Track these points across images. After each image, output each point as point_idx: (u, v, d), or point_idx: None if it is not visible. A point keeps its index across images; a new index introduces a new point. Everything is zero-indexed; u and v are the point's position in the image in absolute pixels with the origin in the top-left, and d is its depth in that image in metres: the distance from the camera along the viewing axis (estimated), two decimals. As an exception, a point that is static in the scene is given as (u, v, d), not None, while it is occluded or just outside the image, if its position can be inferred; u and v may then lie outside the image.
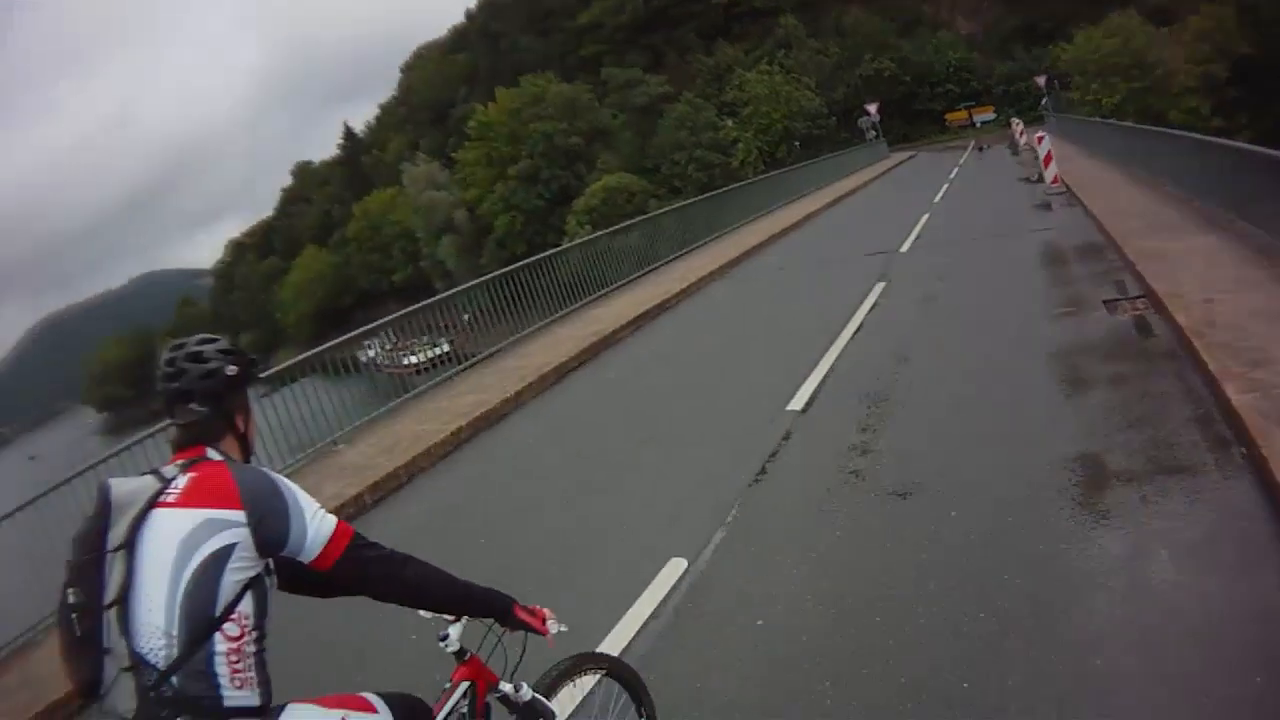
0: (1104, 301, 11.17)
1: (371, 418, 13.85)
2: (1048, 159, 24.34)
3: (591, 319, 18.35)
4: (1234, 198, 13.65)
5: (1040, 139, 25.37)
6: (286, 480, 2.74)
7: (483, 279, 19.51)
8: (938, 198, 29.80)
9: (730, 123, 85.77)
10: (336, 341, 15.19)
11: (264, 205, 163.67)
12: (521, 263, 19.72)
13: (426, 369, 17.33)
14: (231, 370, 2.83)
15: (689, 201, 33.16)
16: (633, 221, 26.74)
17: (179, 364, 2.78)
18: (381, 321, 16.91)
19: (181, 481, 2.60)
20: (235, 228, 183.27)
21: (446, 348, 19.61)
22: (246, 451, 2.93)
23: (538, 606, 3.23)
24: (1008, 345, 10.21)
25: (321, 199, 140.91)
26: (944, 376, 9.56)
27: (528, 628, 3.17)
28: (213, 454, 2.74)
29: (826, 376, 10.53)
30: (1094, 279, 12.56)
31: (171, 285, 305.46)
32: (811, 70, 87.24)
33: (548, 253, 20.74)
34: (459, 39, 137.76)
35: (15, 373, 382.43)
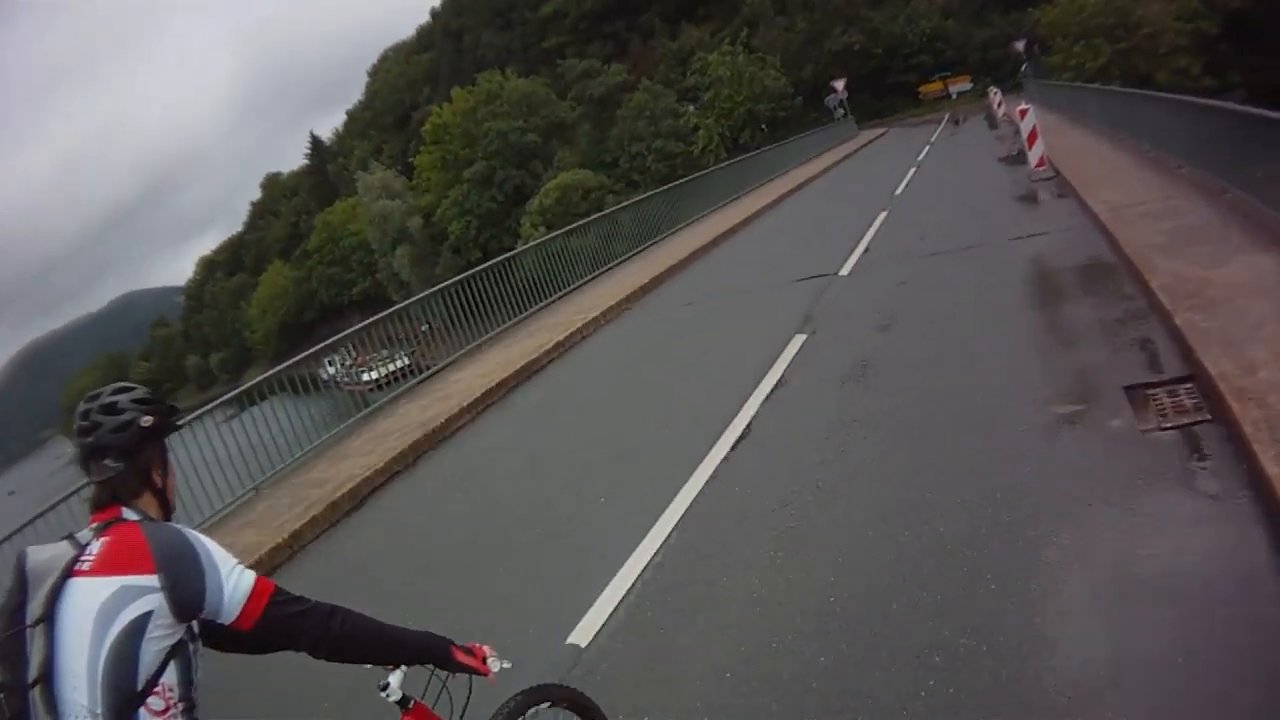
0: (1126, 390, 6.69)
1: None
2: (1032, 137, 19.69)
3: (440, 394, 14.24)
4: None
5: (1023, 112, 20.47)
6: (200, 536, 2.58)
7: (407, 301, 18.49)
8: (900, 188, 24.79)
9: (691, 109, 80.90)
10: (279, 369, 14.34)
11: (242, 219, 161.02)
12: (426, 293, 18.51)
13: (385, 384, 16.98)
14: (147, 421, 2.66)
15: (625, 205, 28.96)
16: (550, 237, 22.93)
17: (92, 417, 2.63)
18: (327, 343, 16.07)
19: (95, 547, 2.46)
20: (215, 242, 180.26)
21: (405, 361, 18.60)
22: (166, 508, 2.74)
23: (477, 645, 3.08)
24: (958, 509, 5.62)
25: (289, 211, 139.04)
26: (836, 604, 4.99)
27: (469, 669, 3.01)
28: (129, 514, 2.58)
29: (644, 572, 6.13)
30: (1106, 334, 8.05)
31: (150, 304, 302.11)
32: (779, 48, 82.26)
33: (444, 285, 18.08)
34: (424, 38, 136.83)
35: (0, 403, 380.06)
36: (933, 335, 9.65)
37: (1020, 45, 66.96)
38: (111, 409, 2.63)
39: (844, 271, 14.39)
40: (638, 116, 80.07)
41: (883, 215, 19.57)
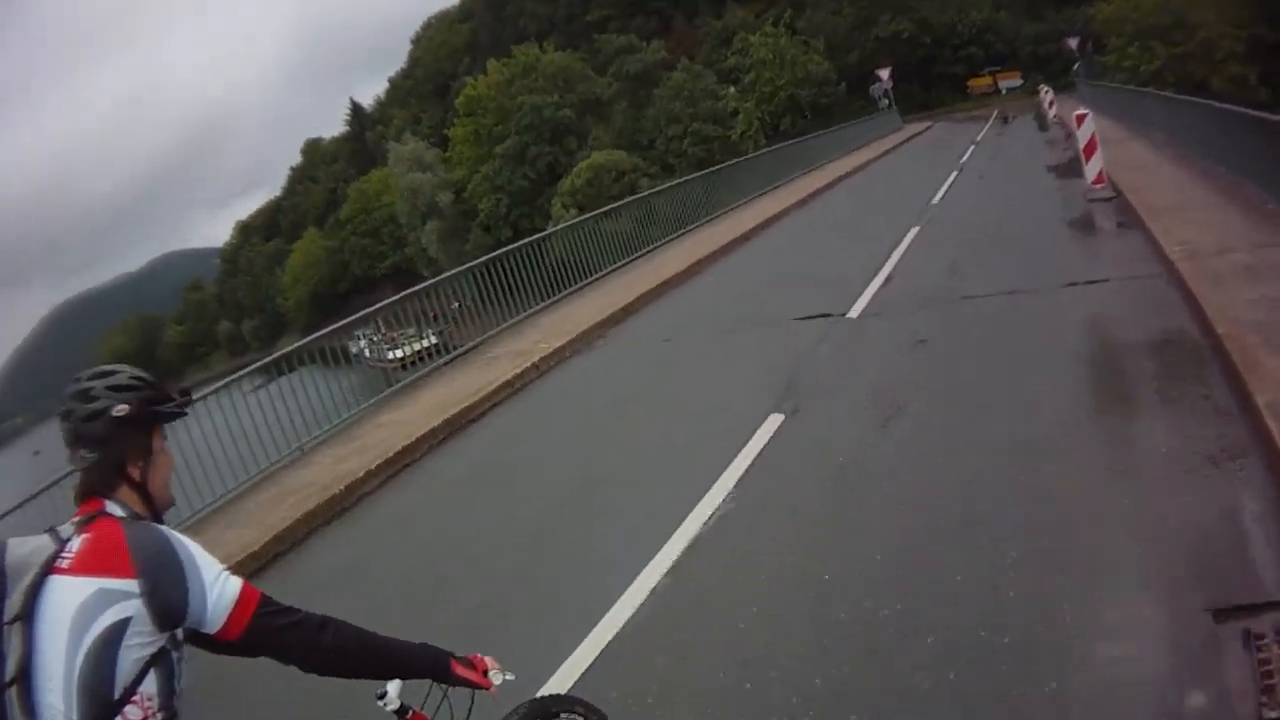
0: (1214, 616, 4.17)
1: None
2: (1090, 148, 16.90)
3: (359, 442, 12.05)
4: None
5: (1081, 118, 17.69)
6: (184, 540, 2.37)
7: (422, 285, 17.72)
8: (938, 196, 21.93)
9: (731, 90, 78.49)
10: (302, 343, 14.63)
11: (283, 184, 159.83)
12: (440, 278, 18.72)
13: (412, 363, 16.58)
14: (120, 411, 2.40)
15: (643, 195, 27.92)
16: (568, 226, 22.68)
17: (68, 403, 2.42)
18: (343, 322, 16.23)
19: (76, 543, 2.27)
20: (258, 205, 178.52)
21: (434, 340, 17.57)
22: (151, 505, 2.48)
23: (478, 656, 2.83)
24: None
25: (328, 178, 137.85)
26: None
27: (470, 684, 2.77)
28: (113, 508, 2.37)
29: None
30: (1190, 485, 5.41)
31: (189, 265, 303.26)
32: (824, 32, 79.62)
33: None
34: (467, 7, 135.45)
35: (33, 359, 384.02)
36: (948, 446, 6.96)
37: (1074, 42, 64.00)
38: (85, 395, 2.39)
39: (853, 312, 11.82)
40: (675, 97, 77.67)
41: (914, 231, 16.97)
